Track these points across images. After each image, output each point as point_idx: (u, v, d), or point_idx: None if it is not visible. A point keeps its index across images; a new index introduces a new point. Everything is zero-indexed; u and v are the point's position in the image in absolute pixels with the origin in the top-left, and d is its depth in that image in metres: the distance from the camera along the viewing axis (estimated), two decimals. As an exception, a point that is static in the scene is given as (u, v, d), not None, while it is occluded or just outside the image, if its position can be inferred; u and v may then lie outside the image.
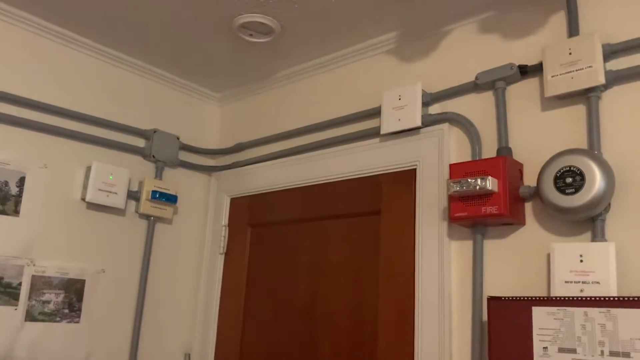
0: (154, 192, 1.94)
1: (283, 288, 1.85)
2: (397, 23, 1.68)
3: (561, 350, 1.14)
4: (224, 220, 2.11)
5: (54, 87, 1.81)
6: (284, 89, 2.07)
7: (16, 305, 1.63)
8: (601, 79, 1.25)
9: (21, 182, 1.68)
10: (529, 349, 1.17)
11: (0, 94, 1.66)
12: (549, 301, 1.17)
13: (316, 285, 1.76)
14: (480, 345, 1.34)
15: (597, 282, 1.16)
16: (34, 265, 1.68)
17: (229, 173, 2.15)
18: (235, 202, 2.11)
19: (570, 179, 1.21)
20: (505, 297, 1.24)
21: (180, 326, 2.06)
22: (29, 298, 1.66)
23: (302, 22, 1.69)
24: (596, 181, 1.18)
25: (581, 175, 1.20)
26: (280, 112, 2.06)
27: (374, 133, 1.70)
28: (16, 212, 1.66)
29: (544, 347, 1.16)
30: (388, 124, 1.63)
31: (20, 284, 1.65)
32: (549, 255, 1.29)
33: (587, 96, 1.29)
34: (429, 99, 1.59)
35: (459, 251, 1.45)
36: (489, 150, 1.46)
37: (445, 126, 1.54)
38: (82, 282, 1.78)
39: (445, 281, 1.43)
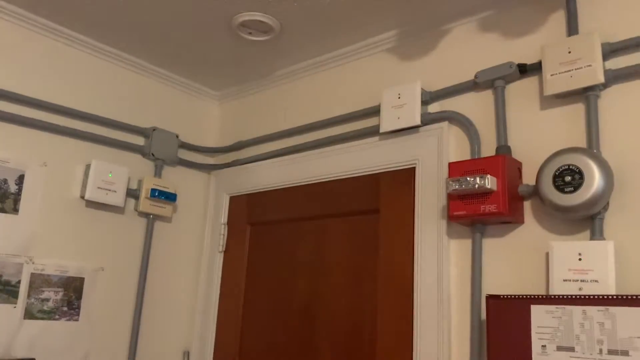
0: (153, 190, 1.94)
1: (282, 286, 1.85)
2: (397, 21, 1.68)
3: (560, 348, 1.14)
4: (223, 218, 2.11)
5: (54, 85, 1.81)
6: (283, 88, 2.07)
7: (15, 303, 1.63)
8: (600, 78, 1.25)
9: (20, 180, 1.68)
10: (527, 347, 1.18)
11: (-1, 92, 1.67)
12: (547, 299, 1.18)
13: (315, 284, 1.76)
14: (479, 343, 1.34)
15: (596, 281, 1.17)
16: (33, 263, 1.68)
17: (229, 171, 2.15)
18: (235, 201, 2.11)
19: (569, 178, 1.21)
20: (504, 296, 1.24)
21: (180, 324, 2.06)
22: (28, 296, 1.66)
23: (302, 20, 1.69)
24: (595, 180, 1.18)
25: (580, 173, 1.20)
26: (279, 110, 2.06)
27: (373, 131, 1.70)
28: (15, 210, 1.66)
29: (542, 346, 1.16)
30: (387, 123, 1.63)
31: (19, 281, 1.65)
32: (547, 254, 1.29)
33: (586, 95, 1.29)
34: (428, 98, 1.60)
35: (458, 250, 1.45)
36: (488, 148, 1.46)
37: (444, 125, 1.54)
38: (81, 280, 1.79)
39: (444, 279, 1.43)
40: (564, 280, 1.21)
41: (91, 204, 1.85)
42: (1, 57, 1.70)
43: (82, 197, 1.81)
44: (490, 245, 1.39)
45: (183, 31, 1.81)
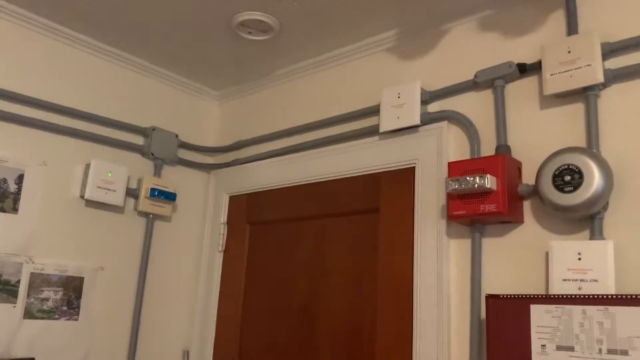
0: (152, 189, 1.94)
1: (282, 285, 1.85)
2: (396, 21, 1.68)
3: (559, 348, 1.14)
4: (223, 218, 2.11)
5: (53, 84, 1.81)
6: (283, 87, 2.07)
7: (15, 303, 1.63)
8: (600, 78, 1.25)
9: (20, 179, 1.68)
10: (527, 346, 1.18)
11: (-2, 91, 1.67)
12: (547, 299, 1.18)
13: (315, 283, 1.76)
14: (479, 343, 1.34)
15: (595, 280, 1.17)
16: (32, 262, 1.68)
17: (228, 171, 2.15)
18: (234, 200, 2.11)
19: (568, 177, 1.21)
20: (503, 295, 1.24)
21: (179, 323, 2.06)
22: (28, 295, 1.66)
23: (301, 19, 1.69)
24: (594, 179, 1.18)
25: (580, 173, 1.20)
26: (279, 110, 2.06)
27: (373, 131, 1.70)
28: (15, 210, 1.66)
29: (542, 345, 1.16)
30: (387, 122, 1.63)
31: (19, 281, 1.64)
32: (547, 254, 1.29)
33: (586, 94, 1.29)
34: (428, 97, 1.60)
35: (457, 249, 1.45)
36: (488, 148, 1.46)
37: (444, 124, 1.54)
38: (80, 280, 1.79)
39: (444, 279, 1.43)
40: (564, 280, 1.21)
41: (91, 203, 1.85)
42: (1, 57, 1.70)
43: (82, 196, 1.81)
44: (490, 245, 1.40)
45: (182, 30, 1.80)
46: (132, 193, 1.94)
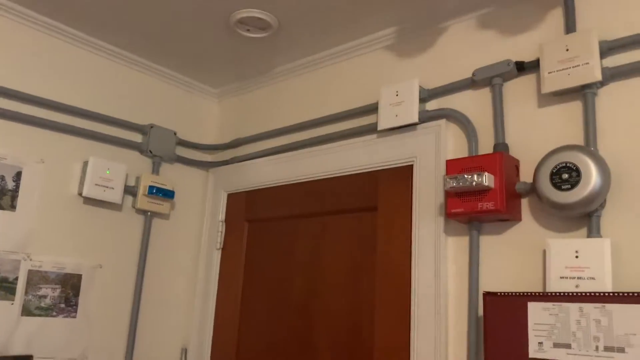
0: (150, 187, 1.94)
1: (280, 283, 1.86)
2: (395, 19, 1.68)
3: (556, 345, 1.14)
4: (221, 215, 2.11)
5: (51, 81, 1.80)
6: (281, 85, 2.07)
7: (12, 300, 1.63)
8: (598, 76, 1.26)
9: (18, 176, 1.68)
10: (524, 344, 1.18)
11: (-4, 89, 1.67)
12: (544, 297, 1.18)
13: (313, 281, 1.76)
14: (476, 340, 1.34)
15: (593, 278, 1.17)
16: (30, 260, 1.68)
17: (226, 169, 2.15)
18: (233, 198, 2.11)
19: (566, 175, 1.22)
20: (501, 293, 1.24)
21: (177, 321, 2.07)
22: (26, 293, 1.66)
23: (300, 17, 1.69)
24: (592, 177, 1.18)
25: (577, 171, 1.20)
26: (277, 107, 2.06)
27: (371, 129, 1.70)
28: (12, 207, 1.66)
29: (539, 342, 1.16)
30: (385, 120, 1.63)
31: (16, 278, 1.64)
32: (544, 251, 1.29)
33: (584, 93, 1.29)
34: (426, 95, 1.60)
35: (455, 247, 1.45)
36: (486, 146, 1.46)
37: (442, 122, 1.54)
38: (78, 277, 1.79)
39: (442, 276, 1.43)
40: (561, 278, 1.21)
41: (89, 200, 1.85)
42: (-2, 54, 1.70)
43: (80, 194, 1.81)
44: (488, 243, 1.40)
45: (181, 28, 1.80)
46: (130, 190, 1.94)
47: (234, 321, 1.95)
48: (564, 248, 1.22)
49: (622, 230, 1.20)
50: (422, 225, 1.50)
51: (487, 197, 1.31)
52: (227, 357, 1.94)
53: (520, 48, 1.46)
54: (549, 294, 1.18)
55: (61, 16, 1.77)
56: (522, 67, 1.42)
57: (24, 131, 1.72)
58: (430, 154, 1.54)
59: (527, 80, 1.43)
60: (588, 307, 1.12)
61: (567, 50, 1.30)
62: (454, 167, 1.39)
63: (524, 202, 1.36)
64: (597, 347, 1.09)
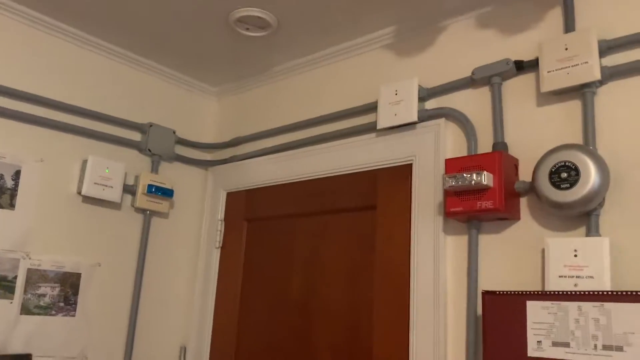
0: (149, 186, 1.94)
1: (279, 282, 1.86)
2: (394, 18, 1.68)
3: (555, 344, 1.14)
4: (220, 214, 2.11)
5: (50, 80, 1.80)
6: (280, 84, 2.07)
7: (12, 299, 1.63)
8: (597, 75, 1.26)
9: (17, 175, 1.68)
10: (523, 342, 1.18)
11: (-5, 87, 1.66)
12: (543, 295, 1.18)
13: (312, 280, 1.76)
14: (475, 339, 1.35)
15: (591, 277, 1.17)
16: (29, 258, 1.68)
17: (226, 167, 2.15)
18: (232, 197, 2.11)
19: (565, 174, 1.22)
20: (499, 292, 1.25)
21: (176, 320, 2.07)
22: (25, 291, 1.66)
23: (299, 16, 1.69)
24: (591, 176, 1.19)
25: (576, 170, 1.20)
26: (277, 106, 2.06)
27: (371, 128, 1.70)
28: (12, 206, 1.66)
29: (538, 341, 1.17)
30: (384, 119, 1.63)
31: (15, 277, 1.64)
32: (543, 250, 1.29)
33: (583, 92, 1.30)
34: (425, 94, 1.60)
35: (454, 246, 1.46)
36: (485, 145, 1.46)
37: (441, 121, 1.54)
38: (77, 276, 1.78)
39: (441, 275, 1.43)
40: (560, 277, 1.21)
41: (88, 199, 1.84)
42: (-3, 52, 1.70)
43: (79, 192, 1.81)
44: (487, 242, 1.40)
45: (180, 27, 1.80)
46: (129, 189, 1.94)
47: (233, 320, 1.95)
48: (563, 247, 1.22)
49: (621, 229, 1.20)
50: (421, 224, 1.51)
51: (486, 196, 1.31)
52: (226, 356, 1.94)
53: (519, 47, 1.46)
54: (548, 292, 1.18)
55: (60, 15, 1.77)
56: (521, 66, 1.42)
57: (23, 130, 1.72)
58: (430, 153, 1.54)
59: (526, 79, 1.43)
60: (587, 306, 1.12)
61: (566, 49, 1.30)
62: (453, 166, 1.39)
63: (523, 201, 1.36)
64: (595, 346, 1.09)
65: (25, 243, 1.68)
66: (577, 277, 1.19)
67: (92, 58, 1.92)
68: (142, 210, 1.99)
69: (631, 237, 1.19)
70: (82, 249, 1.82)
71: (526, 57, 1.43)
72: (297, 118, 1.96)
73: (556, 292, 1.17)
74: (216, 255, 2.08)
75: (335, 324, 1.66)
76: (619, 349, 1.07)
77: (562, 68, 1.30)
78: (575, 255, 1.20)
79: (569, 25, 1.36)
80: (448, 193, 1.38)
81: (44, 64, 1.79)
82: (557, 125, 1.34)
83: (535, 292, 1.19)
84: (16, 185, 1.68)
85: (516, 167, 1.38)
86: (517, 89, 1.44)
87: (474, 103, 1.51)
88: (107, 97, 1.95)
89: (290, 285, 1.82)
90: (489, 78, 1.47)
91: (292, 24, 1.74)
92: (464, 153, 1.49)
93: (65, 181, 1.80)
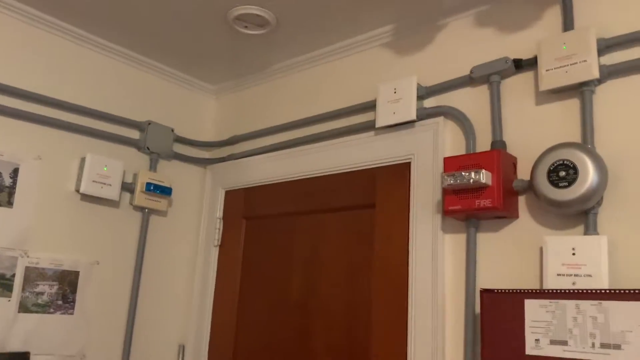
0: (148, 184, 1.94)
1: (277, 280, 1.86)
2: (393, 16, 1.68)
3: (553, 342, 1.15)
4: (219, 212, 2.11)
5: (49, 78, 1.80)
6: (279, 82, 2.07)
7: (10, 297, 1.63)
8: (595, 73, 1.26)
9: (15, 173, 1.68)
10: (521, 340, 1.18)
11: (-7, 85, 1.66)
12: (541, 294, 1.18)
13: (310, 278, 1.76)
14: (473, 337, 1.35)
15: (589, 275, 1.17)
16: (27, 256, 1.68)
17: (224, 165, 2.15)
18: (230, 195, 2.11)
19: (563, 173, 1.22)
20: (498, 290, 1.25)
21: (175, 318, 2.07)
22: (23, 289, 1.66)
23: (298, 14, 1.69)
24: (589, 175, 1.19)
25: (574, 168, 1.20)
26: (275, 104, 2.06)
27: (369, 126, 1.70)
28: (10, 204, 1.66)
29: (535, 339, 1.17)
30: (383, 118, 1.63)
31: (14, 275, 1.64)
32: (541, 249, 1.29)
33: (581, 90, 1.30)
34: (424, 93, 1.60)
35: (452, 244, 1.46)
36: (483, 143, 1.46)
37: (440, 120, 1.54)
38: (76, 274, 1.78)
39: (439, 274, 1.43)
40: (558, 275, 1.21)
41: (86, 197, 1.84)
42: (-5, 50, 1.69)
43: (77, 190, 1.81)
44: (485, 240, 1.40)
45: (179, 24, 1.80)
46: (127, 187, 1.94)
47: (232, 318, 1.95)
48: (561, 245, 1.22)
49: (619, 227, 1.20)
50: (419, 223, 1.51)
51: (485, 194, 1.31)
52: (225, 354, 1.94)
53: (518, 46, 1.46)
54: (546, 291, 1.18)
55: (58, 13, 1.76)
56: (520, 65, 1.42)
57: (21, 128, 1.72)
58: (428, 152, 1.54)
59: (524, 78, 1.43)
60: (585, 304, 1.12)
61: (565, 48, 1.30)
62: (451, 164, 1.39)
63: (521, 200, 1.36)
64: (593, 344, 1.10)
65: (23, 241, 1.68)
66: (575, 275, 1.19)
67: (91, 56, 1.92)
68: (141, 209, 1.99)
69: (629, 236, 1.19)
70: (80, 247, 1.81)
71: (525, 55, 1.43)
72: (296, 116, 1.96)
73: (554, 291, 1.17)
74: (215, 253, 2.08)
75: (333, 322, 1.66)
76: (617, 347, 1.07)
77: (560, 66, 1.30)
78: (574, 254, 1.20)
79: (567, 23, 1.36)
80: (446, 191, 1.38)
81: (42, 62, 1.79)
82: (556, 124, 1.35)
83: (534, 291, 1.20)
84: (14, 183, 1.67)
85: (514, 165, 1.38)
86: (516, 87, 1.44)
87: (472, 101, 1.51)
88: (105, 95, 1.95)
89: (289, 283, 1.82)
90: (487, 76, 1.47)
91: (291, 22, 1.74)
92: (463, 151, 1.49)
93: (64, 179, 1.80)
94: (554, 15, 1.41)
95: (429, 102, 1.60)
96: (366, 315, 1.59)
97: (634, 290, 1.08)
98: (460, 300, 1.41)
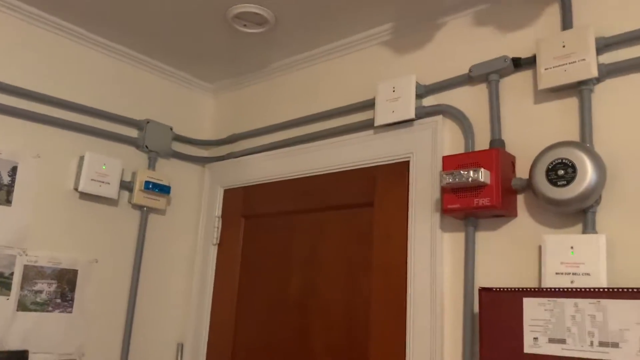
0: (146, 182, 1.94)
1: (276, 279, 1.86)
2: (392, 15, 1.68)
3: (551, 340, 1.15)
4: (218, 211, 2.11)
5: (48, 76, 1.80)
6: (278, 80, 2.07)
7: (8, 295, 1.63)
8: (594, 72, 1.26)
9: (13, 171, 1.68)
10: (519, 339, 1.19)
11: (-8, 83, 1.66)
12: (539, 292, 1.18)
13: (309, 277, 1.76)
14: (472, 335, 1.35)
15: (588, 274, 1.17)
16: (26, 255, 1.68)
17: (223, 164, 2.15)
18: (229, 193, 2.11)
19: (562, 171, 1.22)
20: (496, 288, 1.25)
21: (173, 316, 2.07)
22: (21, 288, 1.66)
23: (297, 12, 1.69)
24: (588, 173, 1.19)
25: (573, 167, 1.20)
26: (274, 103, 2.06)
27: (368, 125, 1.70)
28: (8, 202, 1.66)
29: (534, 338, 1.17)
30: (382, 116, 1.63)
31: (12, 273, 1.64)
32: (540, 247, 1.30)
33: (580, 89, 1.30)
34: (422, 91, 1.60)
35: (451, 243, 1.46)
36: (482, 142, 1.46)
37: (438, 118, 1.54)
38: (74, 272, 1.78)
39: (438, 272, 1.43)
40: (556, 273, 1.21)
41: (85, 195, 1.84)
42: (-6, 48, 1.69)
43: (76, 189, 1.81)
44: (484, 239, 1.40)
45: (178, 23, 1.80)
46: (126, 186, 1.93)
47: (230, 316, 1.95)
48: (560, 244, 1.22)
49: (618, 226, 1.20)
50: (418, 221, 1.51)
51: (483, 193, 1.31)
52: (223, 353, 1.94)
53: (517, 44, 1.46)
54: (544, 289, 1.18)
55: (57, 11, 1.76)
56: (518, 63, 1.42)
57: (20, 126, 1.71)
58: (427, 150, 1.54)
59: (523, 77, 1.43)
60: (583, 302, 1.13)
61: (564, 46, 1.30)
62: (450, 163, 1.39)
63: (520, 198, 1.37)
64: (591, 343, 1.10)
65: (22, 239, 1.68)
66: (573, 274, 1.19)
67: (89, 55, 1.92)
68: (139, 207, 1.99)
69: (627, 234, 1.19)
70: (79, 246, 1.81)
71: (524, 54, 1.43)
72: (295, 115, 1.96)
73: (553, 289, 1.17)
74: (213, 252, 2.08)
75: (332, 321, 1.67)
76: (615, 345, 1.07)
77: (559, 65, 1.30)
78: (572, 252, 1.20)
79: (566, 22, 1.36)
80: (445, 190, 1.38)
81: (41, 61, 1.79)
82: (554, 123, 1.35)
83: (532, 289, 1.20)
84: (13, 181, 1.67)
85: (513, 164, 1.38)
86: (515, 86, 1.44)
87: (471, 100, 1.51)
88: (104, 93, 1.94)
89: (288, 281, 1.82)
90: (486, 75, 1.47)
91: (290, 20, 1.74)
92: (461, 150, 1.49)
93: (62, 177, 1.80)
94: (552, 14, 1.41)
95: (428, 101, 1.60)
96: (365, 313, 1.59)
97: (632, 288, 1.08)
98: (458, 298, 1.41)
